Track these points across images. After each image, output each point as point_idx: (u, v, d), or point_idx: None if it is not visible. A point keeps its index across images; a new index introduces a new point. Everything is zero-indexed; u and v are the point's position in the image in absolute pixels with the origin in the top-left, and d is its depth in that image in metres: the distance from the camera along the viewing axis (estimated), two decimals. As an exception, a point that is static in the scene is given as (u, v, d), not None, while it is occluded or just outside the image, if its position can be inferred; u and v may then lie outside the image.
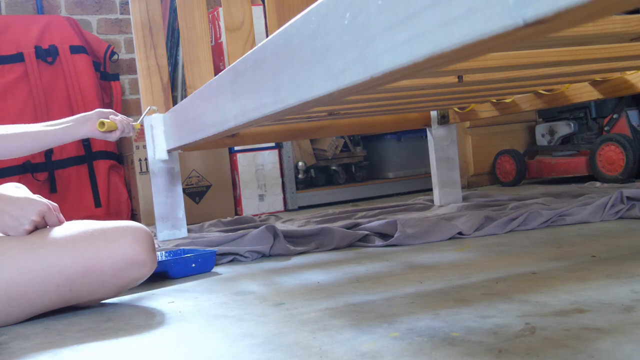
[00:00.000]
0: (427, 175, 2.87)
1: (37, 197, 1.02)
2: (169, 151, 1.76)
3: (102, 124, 1.43)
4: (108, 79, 2.69)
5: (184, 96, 2.74)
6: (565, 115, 2.61)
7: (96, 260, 0.95)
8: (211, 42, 2.49)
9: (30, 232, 0.98)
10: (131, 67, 2.91)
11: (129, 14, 2.84)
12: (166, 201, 1.85)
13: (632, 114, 2.40)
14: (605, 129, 2.46)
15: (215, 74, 1.47)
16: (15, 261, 0.91)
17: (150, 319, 0.91)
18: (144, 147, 2.49)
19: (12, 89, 2.44)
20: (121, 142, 2.73)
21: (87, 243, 0.96)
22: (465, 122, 2.67)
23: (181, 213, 1.86)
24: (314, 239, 1.48)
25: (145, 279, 1.02)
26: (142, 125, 2.08)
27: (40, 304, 0.94)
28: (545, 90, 1.63)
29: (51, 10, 2.74)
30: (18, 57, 2.45)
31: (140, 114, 2.66)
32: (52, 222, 1.00)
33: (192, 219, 2.44)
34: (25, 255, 0.92)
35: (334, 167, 2.95)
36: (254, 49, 0.78)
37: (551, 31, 0.37)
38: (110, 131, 1.44)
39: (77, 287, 0.95)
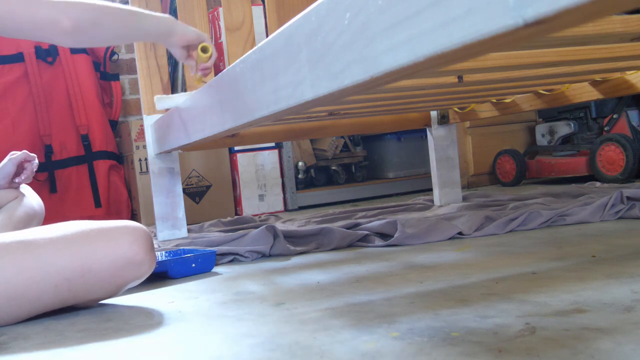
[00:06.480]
0: (427, 175, 2.87)
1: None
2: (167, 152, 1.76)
3: (206, 49, 1.20)
4: (108, 79, 2.69)
5: (184, 96, 2.73)
6: (565, 115, 2.61)
7: (94, 259, 0.95)
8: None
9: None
10: (131, 67, 2.91)
11: (129, 14, 2.83)
12: (166, 201, 1.85)
13: (632, 114, 2.40)
14: (605, 129, 2.46)
15: (215, 74, 1.47)
16: (13, 260, 0.91)
17: (150, 319, 0.91)
18: (144, 147, 2.49)
19: (12, 89, 2.44)
20: (121, 142, 2.73)
21: (85, 242, 0.95)
22: (465, 122, 2.67)
23: (181, 213, 1.86)
24: (314, 239, 1.48)
25: (144, 278, 1.02)
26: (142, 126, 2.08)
27: (39, 303, 0.94)
28: (545, 90, 1.63)
29: (51, 10, 2.74)
30: (18, 57, 2.45)
31: (141, 114, 2.66)
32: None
33: (192, 219, 2.44)
34: (23, 254, 0.92)
35: (334, 167, 2.95)
36: (253, 49, 0.78)
37: (551, 31, 0.37)
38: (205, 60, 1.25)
39: (75, 286, 0.95)
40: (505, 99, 1.78)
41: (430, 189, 2.75)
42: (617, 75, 1.45)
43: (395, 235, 1.40)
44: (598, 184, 2.20)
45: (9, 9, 1.05)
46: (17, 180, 1.43)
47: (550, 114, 2.68)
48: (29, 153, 1.44)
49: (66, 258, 0.93)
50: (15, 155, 1.42)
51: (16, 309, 0.92)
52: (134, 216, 2.62)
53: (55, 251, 0.93)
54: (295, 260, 1.34)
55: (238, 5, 1.82)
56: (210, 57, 1.26)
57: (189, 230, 1.92)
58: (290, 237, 1.47)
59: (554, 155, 2.66)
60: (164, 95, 1.57)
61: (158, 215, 1.83)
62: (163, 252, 1.36)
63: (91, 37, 1.14)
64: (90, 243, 0.96)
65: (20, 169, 1.45)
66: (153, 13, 1.22)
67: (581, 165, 2.50)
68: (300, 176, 2.81)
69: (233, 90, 0.90)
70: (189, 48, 1.29)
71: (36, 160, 1.45)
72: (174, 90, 2.77)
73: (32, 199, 1.47)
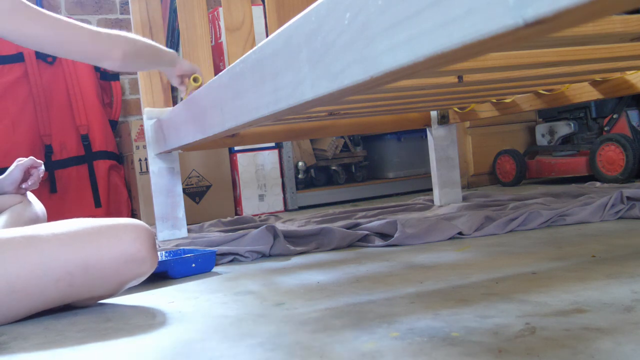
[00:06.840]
0: (427, 175, 2.87)
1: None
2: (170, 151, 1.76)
3: (197, 79, 1.50)
4: (108, 79, 2.69)
5: (184, 96, 2.73)
6: (565, 115, 2.61)
7: (96, 255, 0.96)
8: (211, 42, 2.49)
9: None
10: (131, 67, 2.91)
11: (129, 14, 2.84)
12: (166, 201, 1.85)
13: (632, 114, 2.40)
14: (605, 129, 2.46)
15: (215, 74, 1.47)
16: (15, 253, 0.92)
17: (150, 319, 0.91)
18: (144, 147, 2.49)
19: (12, 89, 2.44)
20: (121, 142, 2.73)
21: (88, 238, 0.96)
22: (465, 122, 2.67)
23: (181, 213, 1.86)
24: (314, 239, 1.48)
25: (145, 276, 1.02)
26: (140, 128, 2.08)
27: (41, 298, 0.94)
28: (545, 90, 1.63)
29: (51, 10, 2.75)
30: (18, 57, 2.45)
31: (141, 114, 2.67)
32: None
33: (192, 219, 2.44)
34: (26, 248, 0.92)
35: (334, 167, 2.95)
36: (253, 49, 0.78)
37: (551, 31, 0.37)
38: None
39: (77, 282, 0.95)
40: (505, 99, 1.78)
41: (430, 189, 2.75)
42: (617, 75, 1.45)
43: (395, 235, 1.40)
44: (598, 184, 2.20)
45: (68, 40, 1.21)
46: (24, 186, 1.45)
47: (550, 114, 2.68)
48: (36, 159, 1.46)
49: (69, 252, 0.94)
50: (22, 161, 1.44)
51: (17, 303, 0.92)
52: (133, 216, 2.62)
53: (59, 246, 0.94)
54: (295, 260, 1.34)
55: (238, 5, 1.82)
56: (199, 85, 1.54)
57: (189, 230, 1.92)
58: (290, 237, 1.47)
59: (554, 155, 2.66)
60: (151, 109, 1.79)
61: (158, 215, 1.83)
62: (163, 252, 1.37)
63: (133, 65, 1.37)
64: (93, 239, 0.96)
65: (27, 175, 1.46)
66: (165, 48, 1.48)
67: (581, 165, 2.50)
68: (300, 176, 2.81)
69: (233, 90, 0.90)
70: (182, 76, 1.56)
71: (42, 167, 1.47)
72: (173, 90, 2.77)
73: (35, 206, 1.48)
